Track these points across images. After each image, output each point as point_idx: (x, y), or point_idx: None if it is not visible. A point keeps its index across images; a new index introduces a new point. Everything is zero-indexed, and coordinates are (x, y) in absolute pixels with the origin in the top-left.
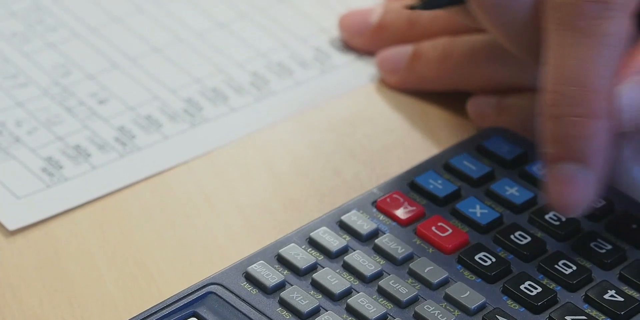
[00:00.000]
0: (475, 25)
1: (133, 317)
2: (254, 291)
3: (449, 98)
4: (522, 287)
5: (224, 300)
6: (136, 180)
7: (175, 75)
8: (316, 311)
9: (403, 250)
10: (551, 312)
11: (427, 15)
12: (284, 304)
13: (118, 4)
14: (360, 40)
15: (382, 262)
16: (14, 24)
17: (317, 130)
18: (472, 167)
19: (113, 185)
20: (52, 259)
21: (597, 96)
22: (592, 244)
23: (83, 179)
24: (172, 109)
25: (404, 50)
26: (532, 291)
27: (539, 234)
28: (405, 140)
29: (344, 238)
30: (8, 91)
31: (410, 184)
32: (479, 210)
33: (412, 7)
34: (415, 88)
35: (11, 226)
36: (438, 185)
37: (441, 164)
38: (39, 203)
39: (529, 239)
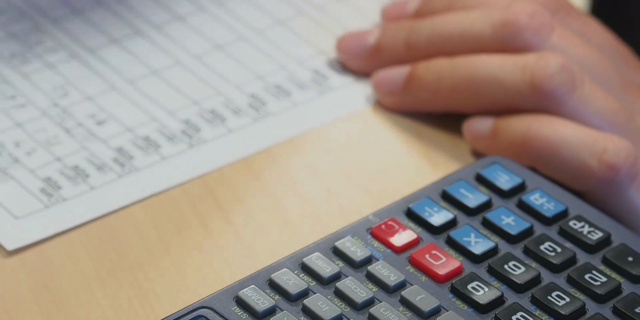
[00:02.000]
0: None
1: None
2: (245, 316)
3: (445, 119)
4: (514, 318)
5: None
6: (133, 201)
7: (173, 97)
8: None
9: (396, 277)
10: None
11: (424, 36)
12: None
13: (117, 27)
14: (357, 62)
15: (375, 289)
16: (13, 45)
17: (313, 152)
18: (469, 195)
19: (111, 206)
20: (47, 281)
21: None
22: (586, 276)
23: (81, 200)
24: (170, 130)
25: (400, 72)
26: None
27: (534, 265)
28: (401, 163)
29: (337, 264)
30: (7, 112)
31: (406, 212)
32: (473, 239)
33: None
34: (411, 109)
35: (9, 246)
36: (434, 213)
37: (438, 192)
38: (37, 223)
39: (523, 269)
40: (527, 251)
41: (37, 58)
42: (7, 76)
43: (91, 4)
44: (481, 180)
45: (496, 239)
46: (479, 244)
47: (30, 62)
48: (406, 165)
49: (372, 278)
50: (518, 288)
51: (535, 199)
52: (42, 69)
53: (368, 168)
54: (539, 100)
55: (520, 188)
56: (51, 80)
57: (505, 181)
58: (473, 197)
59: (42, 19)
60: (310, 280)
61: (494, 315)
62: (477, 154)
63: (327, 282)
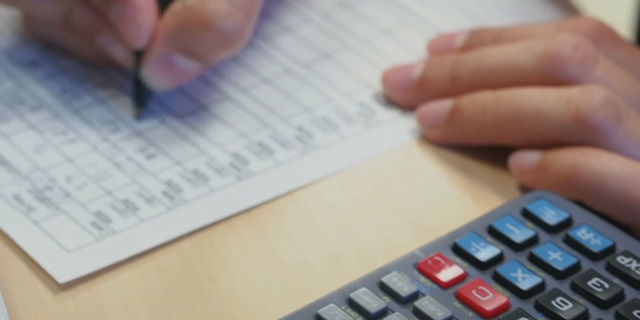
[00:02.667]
0: None
1: None
2: None
3: (490, 152)
4: None
5: None
6: (182, 234)
7: (221, 130)
8: None
9: (442, 313)
10: None
11: (469, 69)
12: None
13: None
14: (402, 95)
15: None
16: (65, 80)
17: (358, 185)
18: (515, 230)
19: (159, 238)
20: (97, 314)
21: None
22: (635, 313)
23: (131, 233)
24: (219, 163)
25: (444, 105)
26: None
27: (581, 301)
28: (446, 196)
29: (384, 300)
30: (59, 147)
31: (452, 246)
32: (520, 275)
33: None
34: (456, 142)
35: (61, 279)
36: (480, 248)
37: (484, 227)
38: (88, 256)
39: (571, 305)
40: (574, 287)
41: (88, 93)
42: (58, 111)
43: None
44: (528, 215)
45: (543, 274)
46: (526, 280)
47: (81, 97)
48: (451, 199)
49: (418, 314)
50: None
51: (582, 234)
52: (92, 104)
53: (413, 201)
54: (584, 133)
55: (567, 223)
56: (101, 115)
57: (551, 216)
58: (519, 232)
59: None
60: (357, 315)
61: None
62: (523, 188)
63: (374, 318)
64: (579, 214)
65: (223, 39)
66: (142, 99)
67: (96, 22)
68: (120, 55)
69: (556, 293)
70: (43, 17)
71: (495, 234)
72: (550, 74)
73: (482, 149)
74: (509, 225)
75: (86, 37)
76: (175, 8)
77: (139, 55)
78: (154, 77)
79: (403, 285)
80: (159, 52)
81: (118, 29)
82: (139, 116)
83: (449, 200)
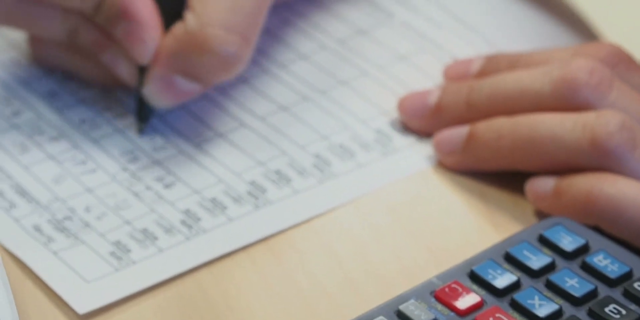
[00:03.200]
0: None
1: None
2: None
3: (507, 178)
4: None
5: None
6: (200, 263)
7: (239, 158)
8: None
9: None
10: None
11: (484, 96)
12: None
13: None
14: (419, 122)
15: None
16: (83, 110)
17: (376, 212)
18: (532, 257)
19: (178, 268)
20: None
21: None
22: None
23: (150, 262)
24: (237, 192)
25: (461, 132)
26: None
27: None
28: (464, 223)
29: None
30: (78, 177)
31: (469, 274)
32: (537, 302)
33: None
34: (473, 169)
35: (81, 310)
36: (497, 275)
37: (501, 254)
38: (107, 286)
39: None
40: (591, 313)
41: (107, 123)
42: (77, 142)
43: None
44: (544, 241)
45: (560, 301)
46: (543, 307)
47: (99, 127)
48: (469, 225)
49: None
50: None
51: (599, 261)
52: (111, 134)
53: (431, 228)
54: (600, 158)
55: (583, 249)
56: (120, 145)
57: (568, 242)
58: (536, 259)
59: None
60: None
61: None
62: (539, 213)
63: None
64: (595, 240)
65: (222, 63)
66: (145, 115)
67: (101, 40)
68: (125, 72)
69: None
70: (48, 37)
71: (512, 260)
72: (566, 100)
73: (499, 175)
74: (525, 252)
75: (91, 57)
76: (176, 31)
77: (142, 72)
78: (155, 95)
79: (420, 313)
80: (160, 72)
81: (123, 45)
82: (142, 131)
83: (466, 227)
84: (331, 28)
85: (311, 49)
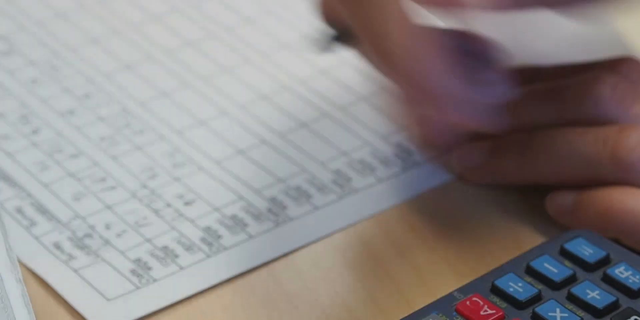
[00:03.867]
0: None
1: None
2: None
3: (528, 192)
4: None
5: None
6: (221, 281)
7: (259, 175)
8: None
9: None
10: None
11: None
12: None
13: (203, 109)
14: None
15: None
16: (103, 128)
17: (396, 228)
18: (553, 269)
19: (199, 286)
20: None
21: None
22: None
23: (171, 280)
24: (257, 209)
25: (481, 146)
26: None
27: None
28: (485, 237)
29: None
30: (97, 195)
31: (490, 287)
32: (559, 314)
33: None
34: (494, 183)
35: None
36: (518, 288)
37: (522, 267)
38: (128, 305)
39: None
40: None
41: (126, 140)
42: (97, 159)
43: (177, 86)
44: (565, 253)
45: (582, 313)
46: (564, 319)
47: (119, 144)
48: (490, 239)
49: None
50: None
51: (621, 272)
52: (130, 151)
53: (452, 242)
54: (621, 172)
55: (604, 261)
56: (139, 162)
57: (589, 255)
58: (557, 271)
59: (130, 101)
60: None
61: None
62: (560, 227)
63: None
64: (616, 252)
65: None
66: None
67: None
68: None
69: None
70: None
71: (533, 273)
72: (588, 114)
73: (520, 189)
74: (546, 265)
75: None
76: None
77: None
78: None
79: None
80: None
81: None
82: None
83: (488, 241)
84: None
85: (330, 64)
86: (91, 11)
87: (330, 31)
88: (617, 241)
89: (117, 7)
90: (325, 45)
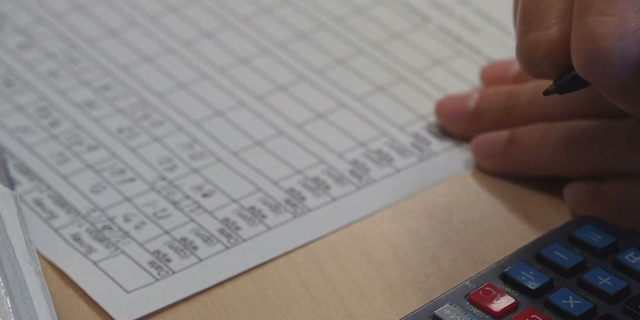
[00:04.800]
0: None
1: None
2: None
3: (546, 183)
4: None
5: None
6: (240, 272)
7: (276, 167)
8: None
9: None
10: None
11: (523, 101)
12: None
13: (219, 100)
14: (457, 126)
15: None
16: (121, 119)
17: (413, 217)
18: (563, 257)
19: (218, 277)
20: None
21: None
22: None
23: (190, 272)
24: (275, 200)
25: (500, 136)
26: None
27: None
28: (501, 227)
29: None
30: (116, 186)
31: (502, 276)
32: (572, 301)
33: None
34: (511, 173)
35: None
36: (530, 276)
37: (532, 255)
38: (148, 296)
39: None
40: (626, 311)
41: (144, 132)
42: (115, 151)
43: (195, 77)
44: (575, 241)
45: (594, 299)
46: (577, 306)
47: (137, 136)
48: (507, 229)
49: None
50: None
51: (631, 258)
52: (149, 143)
53: (469, 232)
54: (639, 163)
55: (614, 247)
56: (158, 153)
57: (598, 241)
58: (568, 259)
59: (148, 93)
60: None
61: None
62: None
63: None
64: (625, 238)
65: None
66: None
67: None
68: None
69: (608, 318)
70: None
71: (544, 261)
72: (606, 106)
73: (537, 179)
74: (556, 252)
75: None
76: None
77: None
78: None
79: (457, 317)
80: None
81: None
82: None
83: (504, 231)
84: (368, 32)
85: (347, 54)
86: (108, 3)
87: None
88: (634, 231)
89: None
90: (566, 85)
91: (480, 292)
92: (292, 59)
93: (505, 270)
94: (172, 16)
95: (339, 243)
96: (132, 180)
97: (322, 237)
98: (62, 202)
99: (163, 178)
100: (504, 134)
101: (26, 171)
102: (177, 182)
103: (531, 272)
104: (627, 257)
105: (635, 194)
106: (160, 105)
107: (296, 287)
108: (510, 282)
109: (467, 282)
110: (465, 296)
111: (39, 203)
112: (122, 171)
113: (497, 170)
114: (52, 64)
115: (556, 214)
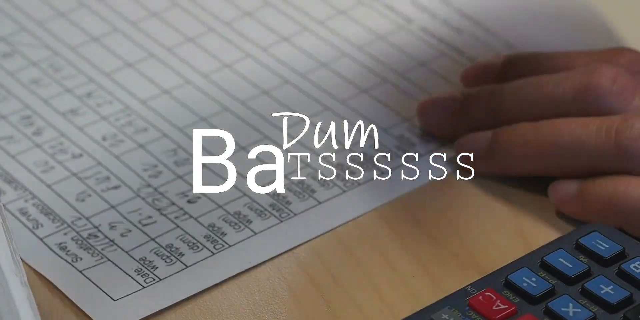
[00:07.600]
0: None
1: None
2: None
3: (531, 182)
4: None
5: None
6: (227, 278)
7: (262, 172)
8: None
9: None
10: None
11: (506, 101)
12: None
13: (203, 106)
14: (440, 127)
15: None
16: (105, 127)
17: (400, 220)
18: (567, 264)
19: (205, 283)
20: None
21: None
22: None
23: (176, 279)
24: (260, 205)
25: (483, 137)
26: None
27: None
28: (489, 227)
29: None
30: (101, 194)
31: (504, 282)
32: (572, 310)
33: None
34: (495, 173)
35: None
36: (532, 283)
37: (537, 261)
38: (134, 304)
39: None
40: None
41: (128, 139)
42: (100, 159)
43: (180, 83)
44: (581, 248)
45: (595, 308)
46: (577, 314)
47: (122, 143)
48: (494, 230)
49: None
50: None
51: (635, 267)
52: (133, 150)
53: (456, 234)
54: (624, 162)
55: (620, 256)
56: (143, 160)
57: (604, 249)
58: (572, 266)
59: (132, 100)
60: None
61: None
62: (563, 217)
63: None
64: (632, 247)
65: None
66: None
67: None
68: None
69: None
70: None
71: (548, 268)
72: (589, 106)
73: (522, 179)
74: (561, 260)
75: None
76: None
77: None
78: None
79: None
80: None
81: None
82: None
83: (491, 231)
84: (350, 35)
85: (331, 57)
86: (89, 9)
87: None
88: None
89: (116, 4)
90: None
91: (481, 297)
92: (275, 63)
93: (508, 276)
94: (155, 21)
95: (325, 247)
96: (117, 187)
97: (308, 241)
98: (47, 211)
99: (148, 185)
100: (487, 134)
101: (10, 180)
102: (162, 189)
103: (534, 279)
104: (632, 266)
105: (621, 192)
106: (143, 111)
107: (283, 293)
108: (511, 287)
109: (468, 287)
110: (465, 301)
111: (23, 212)
112: (107, 179)
113: (482, 171)
114: (35, 72)
115: (541, 213)
